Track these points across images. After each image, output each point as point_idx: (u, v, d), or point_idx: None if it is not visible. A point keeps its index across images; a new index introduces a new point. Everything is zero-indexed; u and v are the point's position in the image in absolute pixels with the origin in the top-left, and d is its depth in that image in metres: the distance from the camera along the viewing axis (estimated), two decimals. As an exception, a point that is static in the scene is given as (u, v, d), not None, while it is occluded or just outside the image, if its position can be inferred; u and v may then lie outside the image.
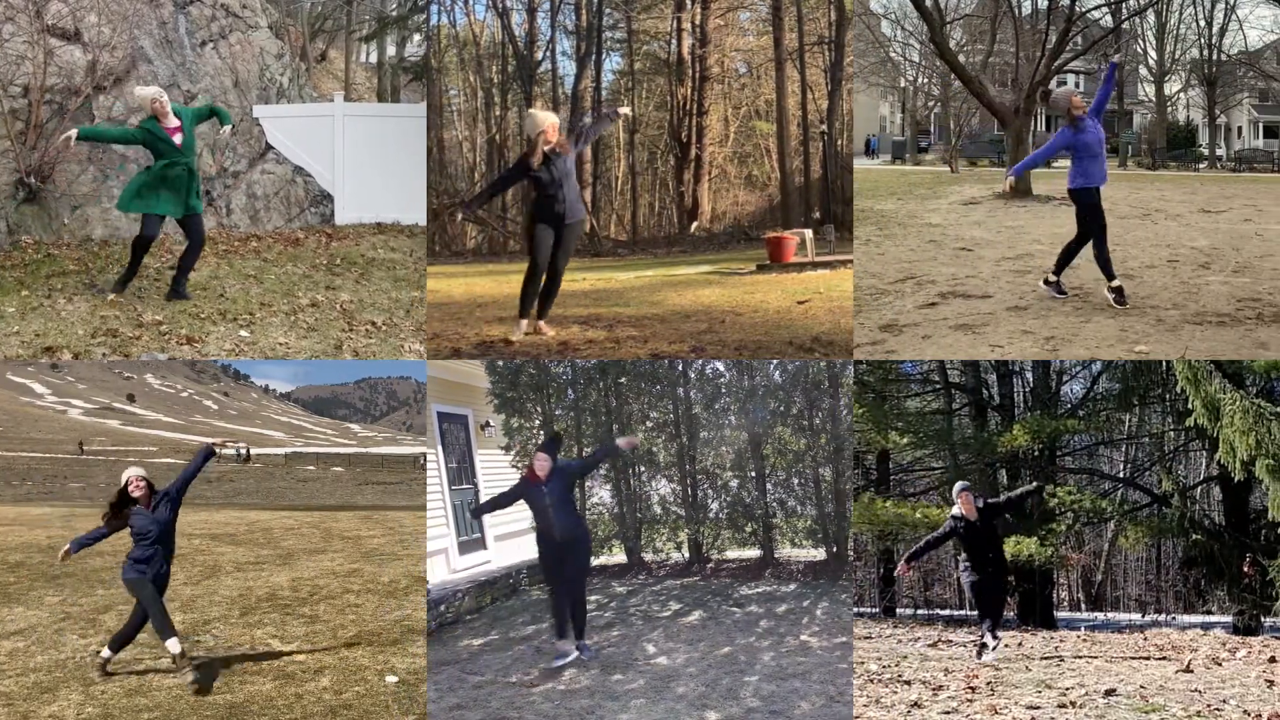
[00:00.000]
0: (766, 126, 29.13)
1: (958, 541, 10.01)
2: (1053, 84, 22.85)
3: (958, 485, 10.15)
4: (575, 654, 8.58)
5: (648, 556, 14.79)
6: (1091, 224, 10.55)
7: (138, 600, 7.51)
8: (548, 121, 9.67)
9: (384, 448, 79.73)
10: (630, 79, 29.21)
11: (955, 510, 9.91)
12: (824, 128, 27.15)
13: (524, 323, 10.26)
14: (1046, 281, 11.05)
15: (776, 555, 14.27)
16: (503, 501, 9.37)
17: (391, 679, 7.46)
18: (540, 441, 9.13)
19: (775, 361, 13.41)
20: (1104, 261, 10.62)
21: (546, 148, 9.63)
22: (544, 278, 10.11)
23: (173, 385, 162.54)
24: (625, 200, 30.11)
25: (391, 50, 32.41)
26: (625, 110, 11.06)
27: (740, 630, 9.81)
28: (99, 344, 9.90)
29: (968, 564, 9.88)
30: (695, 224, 28.36)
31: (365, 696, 7.05)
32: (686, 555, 14.49)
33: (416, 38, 29.18)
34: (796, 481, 14.08)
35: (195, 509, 23.05)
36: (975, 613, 10.35)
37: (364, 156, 15.68)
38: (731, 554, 14.74)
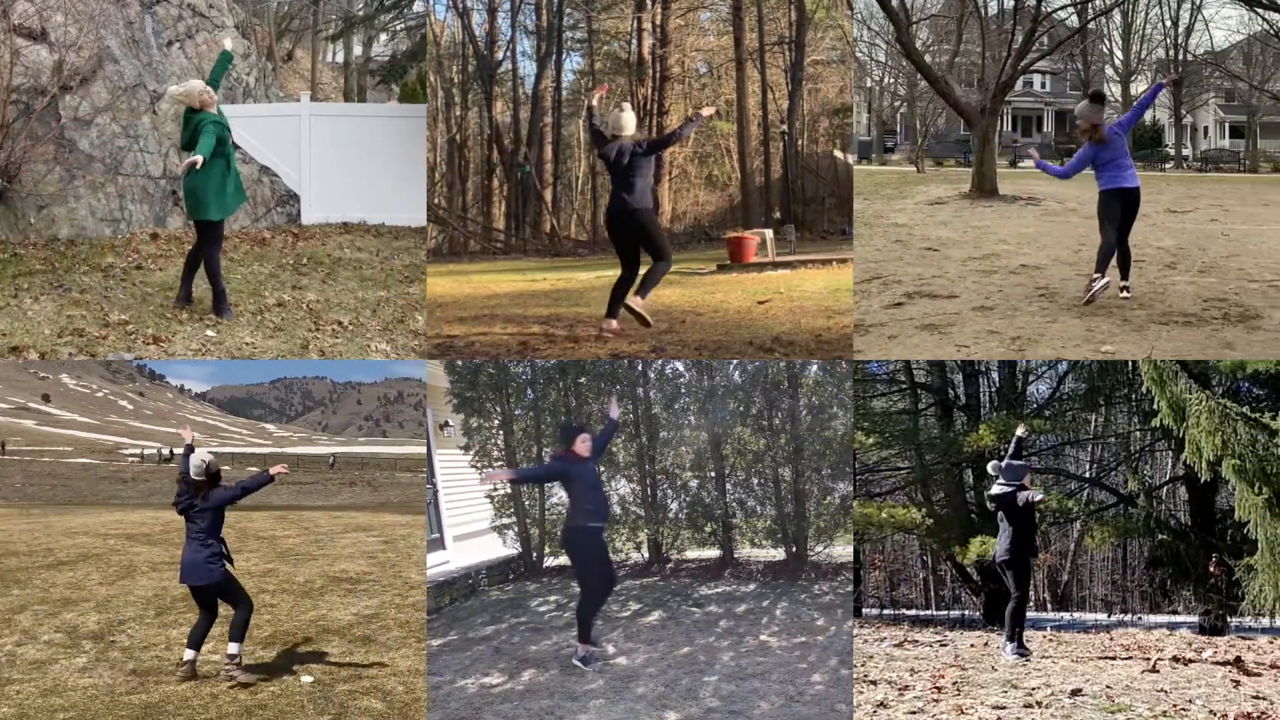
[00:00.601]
0: (727, 126, 29.12)
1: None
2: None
3: (998, 463, 10.30)
4: (597, 657, 8.44)
5: None
6: (1122, 221, 10.62)
7: (216, 596, 7.46)
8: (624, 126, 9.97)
9: (299, 448, 79.70)
10: (591, 79, 29.15)
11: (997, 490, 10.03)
12: (784, 128, 27.15)
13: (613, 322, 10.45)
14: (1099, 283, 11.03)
15: (736, 555, 14.24)
16: (536, 476, 9.69)
17: (307, 679, 7.41)
18: (565, 429, 8.99)
19: (735, 361, 13.39)
20: (1124, 258, 10.90)
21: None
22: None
23: (88, 385, 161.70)
24: (586, 200, 30.05)
25: (358, 50, 32.34)
26: (709, 111, 11.02)
27: (700, 630, 9.74)
28: (65, 344, 9.85)
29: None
30: (655, 224, 28.26)
31: (280, 696, 7.00)
32: (646, 555, 14.47)
33: (384, 37, 29.05)
34: (756, 482, 14.04)
35: (110, 509, 22.97)
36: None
37: (330, 156, 15.61)
38: (691, 554, 14.70)
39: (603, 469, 14.43)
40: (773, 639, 9.06)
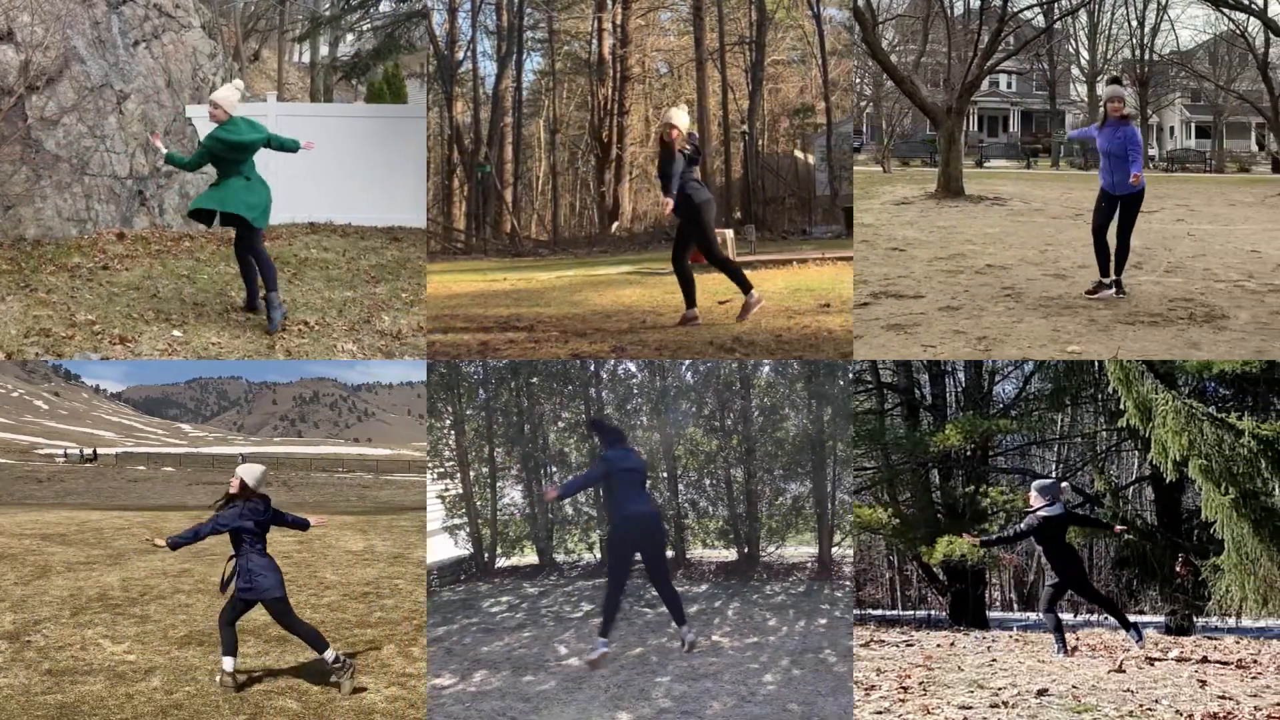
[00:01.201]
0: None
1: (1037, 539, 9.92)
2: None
3: (1045, 483, 10.03)
4: (606, 650, 8.30)
5: (559, 557, 14.73)
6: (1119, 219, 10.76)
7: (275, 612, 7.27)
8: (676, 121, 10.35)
9: (215, 448, 79.71)
10: (551, 79, 29.17)
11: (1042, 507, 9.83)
12: (745, 128, 27.14)
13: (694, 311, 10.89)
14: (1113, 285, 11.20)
15: (688, 556, 14.21)
16: (580, 484, 9.56)
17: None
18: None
19: (687, 362, 13.39)
20: (1121, 254, 10.98)
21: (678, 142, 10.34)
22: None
23: (3, 385, 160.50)
24: (546, 200, 30.03)
25: (324, 50, 32.22)
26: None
27: (652, 630, 9.71)
28: (32, 344, 9.90)
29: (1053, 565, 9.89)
30: (616, 224, 28.33)
31: (196, 696, 6.96)
32: (598, 556, 14.42)
33: (350, 38, 28.93)
34: (708, 482, 14.05)
35: (26, 509, 22.72)
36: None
37: (297, 156, 15.31)
38: None
39: (554, 469, 14.49)
40: (725, 639, 9.03)
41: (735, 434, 13.65)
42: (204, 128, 15.24)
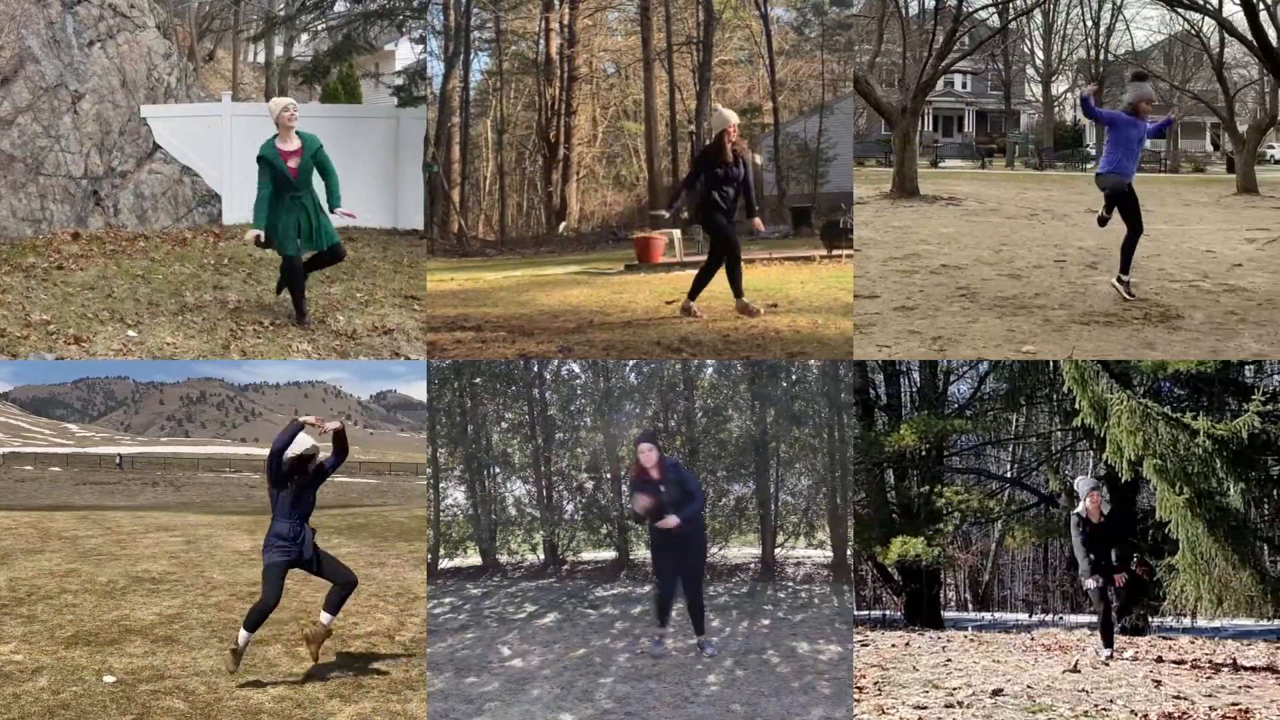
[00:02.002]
0: (634, 126, 29.13)
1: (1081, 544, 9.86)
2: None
3: (1087, 482, 10.01)
4: (670, 640, 8.43)
5: (503, 558, 14.88)
6: (1125, 215, 10.53)
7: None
8: (733, 119, 10.47)
9: (101, 448, 79.52)
10: (498, 79, 29.07)
11: (1081, 509, 9.82)
12: (692, 128, 27.13)
13: (695, 305, 10.99)
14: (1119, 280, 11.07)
15: (631, 557, 14.33)
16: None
17: (109, 679, 7.27)
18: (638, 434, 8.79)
19: (631, 363, 13.37)
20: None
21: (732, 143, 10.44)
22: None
23: None
24: (493, 200, 29.99)
25: (279, 50, 32.14)
26: None
27: (595, 632, 9.82)
28: None
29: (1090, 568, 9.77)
30: (563, 224, 28.30)
31: (83, 696, 6.85)
32: (542, 557, 14.59)
33: (305, 38, 28.68)
34: None
35: None
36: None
37: (252, 156, 15.31)
38: (587, 555, 14.82)
39: (498, 470, 14.43)
40: (668, 640, 9.01)
41: (679, 435, 13.74)
42: (159, 128, 15.40)
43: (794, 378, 13.79)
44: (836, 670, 8.05)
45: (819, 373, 13.59)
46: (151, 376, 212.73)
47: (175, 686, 7.14)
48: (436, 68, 28.47)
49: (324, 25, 19.03)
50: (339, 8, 20.18)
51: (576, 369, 13.96)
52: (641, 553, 14.31)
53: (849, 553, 13.66)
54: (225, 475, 46.04)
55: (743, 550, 13.88)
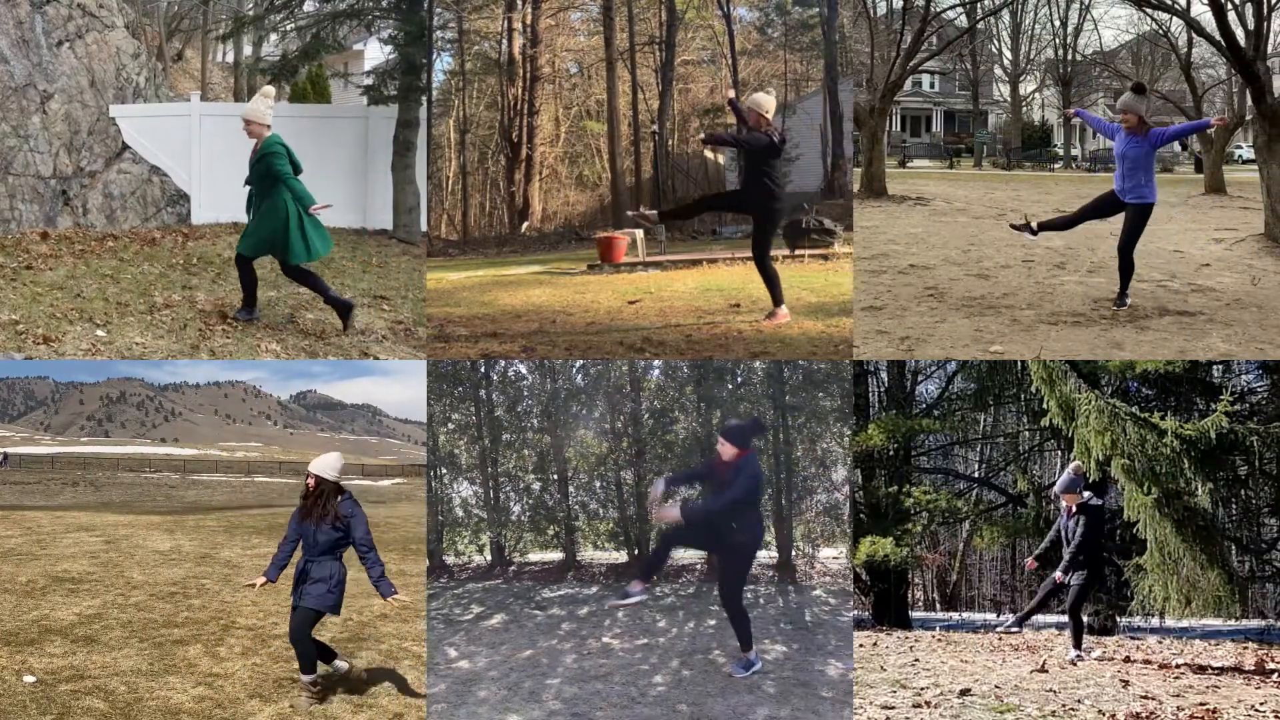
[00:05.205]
0: (597, 126, 29.11)
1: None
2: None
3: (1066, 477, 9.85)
4: (644, 596, 7.89)
5: (449, 559, 14.85)
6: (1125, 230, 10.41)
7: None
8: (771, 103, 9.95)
9: (21, 448, 79.21)
10: (461, 79, 28.94)
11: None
12: (655, 128, 27.10)
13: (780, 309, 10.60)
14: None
15: (579, 558, 14.40)
16: (684, 479, 8.96)
17: (30, 679, 7.27)
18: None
19: (578, 364, 13.40)
20: (1126, 270, 10.73)
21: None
22: None
23: None
24: (456, 200, 29.87)
25: (248, 50, 32.10)
26: None
27: (542, 633, 9.86)
28: None
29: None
30: (526, 224, 28.26)
31: (3, 696, 6.87)
32: (488, 558, 14.67)
33: (274, 37, 28.56)
34: (599, 484, 14.30)
35: None
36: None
37: (221, 156, 15.49)
38: (534, 556, 14.87)
39: (444, 472, 14.35)
40: (615, 641, 9.15)
41: (626, 436, 13.76)
42: (128, 127, 15.42)
43: (739, 380, 13.77)
44: (781, 670, 8.05)
45: (763, 375, 13.53)
46: (72, 376, 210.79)
47: (95, 686, 7.16)
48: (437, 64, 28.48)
49: (293, 25, 18.92)
50: (308, 7, 20.05)
51: (524, 370, 14.03)
52: (588, 553, 14.42)
53: (793, 553, 13.60)
54: (145, 475, 45.92)
55: (689, 551, 13.84)
